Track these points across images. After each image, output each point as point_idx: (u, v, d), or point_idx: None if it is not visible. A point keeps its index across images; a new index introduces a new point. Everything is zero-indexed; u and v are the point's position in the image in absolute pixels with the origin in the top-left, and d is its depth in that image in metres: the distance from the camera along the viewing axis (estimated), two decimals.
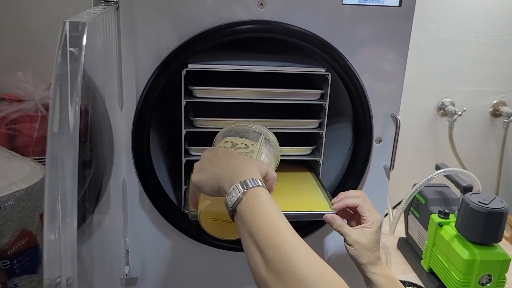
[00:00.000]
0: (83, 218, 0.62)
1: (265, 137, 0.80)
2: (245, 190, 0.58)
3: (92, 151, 0.69)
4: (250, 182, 0.59)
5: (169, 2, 0.75)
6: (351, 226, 0.76)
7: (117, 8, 0.72)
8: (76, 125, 0.37)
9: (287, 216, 0.57)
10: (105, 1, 0.69)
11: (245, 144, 0.75)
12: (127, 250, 0.86)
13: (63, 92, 0.37)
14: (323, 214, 0.77)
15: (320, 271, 0.50)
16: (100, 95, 0.68)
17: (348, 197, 0.78)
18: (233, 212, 0.59)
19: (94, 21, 0.48)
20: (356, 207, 0.76)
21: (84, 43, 0.39)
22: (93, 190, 0.68)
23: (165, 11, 0.75)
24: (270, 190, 0.62)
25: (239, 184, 0.58)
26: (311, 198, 0.85)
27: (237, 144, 0.75)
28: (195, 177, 0.67)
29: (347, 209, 0.78)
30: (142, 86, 0.77)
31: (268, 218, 0.55)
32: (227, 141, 0.77)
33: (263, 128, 0.82)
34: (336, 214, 0.77)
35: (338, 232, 0.76)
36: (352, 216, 0.79)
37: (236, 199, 0.58)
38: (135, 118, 0.78)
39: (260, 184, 0.59)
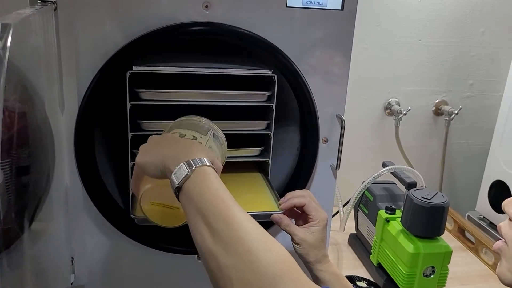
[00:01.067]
0: (20, 227, 0.60)
1: (214, 133, 0.79)
2: (193, 168, 0.57)
3: (31, 156, 0.67)
4: (198, 161, 0.58)
5: (110, 3, 0.73)
6: (298, 225, 0.78)
7: (55, 9, 0.70)
8: None
9: None
10: (41, 1, 0.67)
11: (193, 136, 0.74)
12: (72, 258, 0.83)
13: None
14: (271, 214, 0.78)
15: (269, 242, 0.50)
16: (39, 98, 0.66)
17: (294, 197, 0.79)
18: (178, 190, 0.58)
19: (24, 22, 0.46)
20: (303, 206, 0.78)
21: (8, 44, 0.37)
22: (33, 197, 0.65)
23: (107, 12, 0.74)
24: None
25: (186, 163, 0.58)
26: (259, 199, 0.85)
27: (185, 135, 0.74)
28: (139, 157, 0.66)
29: (295, 208, 0.80)
30: (84, 89, 0.75)
31: (217, 194, 0.55)
32: (175, 132, 0.76)
33: (213, 124, 0.81)
34: (283, 214, 0.78)
35: (285, 231, 0.77)
36: (299, 215, 0.80)
37: (184, 176, 0.57)
38: (77, 121, 0.76)
39: (208, 164, 0.59)
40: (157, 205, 0.67)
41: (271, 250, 0.49)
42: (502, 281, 0.58)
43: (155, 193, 0.66)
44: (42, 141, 0.70)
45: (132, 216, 0.75)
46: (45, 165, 0.70)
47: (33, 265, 0.63)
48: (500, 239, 0.60)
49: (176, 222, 0.69)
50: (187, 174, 0.57)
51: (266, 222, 0.89)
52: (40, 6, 0.65)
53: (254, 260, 0.48)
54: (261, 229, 0.52)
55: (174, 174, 0.58)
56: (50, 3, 0.67)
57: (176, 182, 0.58)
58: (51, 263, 0.72)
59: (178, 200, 0.59)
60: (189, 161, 0.58)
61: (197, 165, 0.58)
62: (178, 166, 0.58)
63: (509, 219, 0.59)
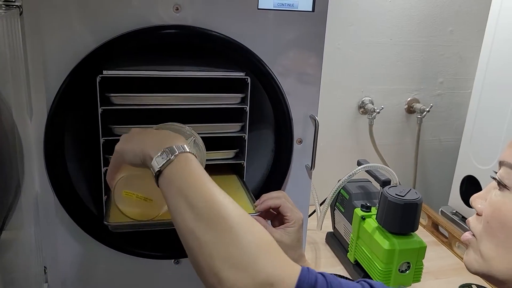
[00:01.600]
0: None
1: (194, 140, 0.79)
2: (176, 153, 0.58)
3: (21, 165, 0.66)
4: (181, 147, 0.59)
5: (78, 6, 0.72)
6: (274, 226, 0.78)
7: (21, 13, 0.68)
8: None
9: None
10: (5, 5, 0.65)
11: None
12: (45, 267, 0.82)
13: None
14: None
15: (251, 222, 0.52)
16: (6, 105, 0.64)
17: (269, 199, 0.79)
18: (158, 175, 0.58)
19: None
20: (278, 207, 0.78)
21: None
22: (1, 206, 0.63)
23: (75, 15, 0.72)
24: None
25: (167, 149, 0.59)
26: (234, 201, 0.85)
27: None
28: (118, 145, 0.65)
29: (270, 210, 0.80)
30: (53, 95, 0.74)
31: (200, 179, 0.56)
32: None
33: (194, 132, 0.81)
34: (259, 215, 0.78)
35: None
36: (275, 216, 0.80)
37: (165, 161, 0.58)
38: (46, 128, 0.75)
39: (189, 151, 0.60)
40: (130, 195, 0.67)
41: (252, 230, 0.51)
42: (469, 269, 0.61)
43: (130, 182, 0.66)
44: (10, 148, 0.68)
45: (105, 223, 0.73)
46: (14, 173, 0.68)
47: (3, 275, 0.61)
48: (468, 231, 0.62)
49: (148, 215, 0.69)
50: (169, 159, 0.58)
51: None
52: (4, 10, 0.63)
53: (236, 237, 0.49)
54: (243, 211, 0.53)
55: (155, 159, 0.59)
56: (15, 7, 0.65)
57: (158, 166, 0.58)
58: (22, 273, 0.70)
59: (157, 185, 0.59)
60: (171, 147, 0.59)
61: (180, 151, 0.59)
62: (160, 152, 0.59)
63: (477, 213, 0.61)
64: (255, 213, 0.79)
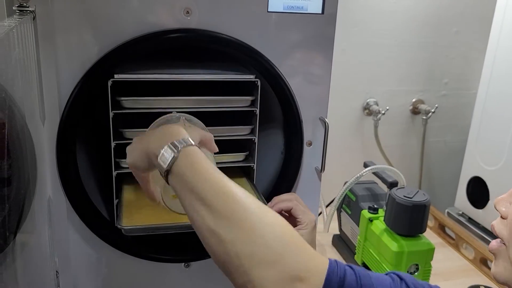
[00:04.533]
0: (4, 239, 0.58)
1: (185, 118, 0.78)
2: (179, 148, 0.57)
3: (11, 168, 0.65)
4: (182, 141, 0.58)
5: (89, 11, 0.72)
6: None
7: (34, 18, 0.68)
8: None
9: None
10: (19, 11, 0.65)
11: None
12: (57, 271, 0.82)
13: None
14: None
15: (271, 215, 0.51)
16: (19, 109, 0.64)
17: (281, 201, 0.79)
18: (167, 173, 0.57)
19: (8, 35, 0.45)
20: (290, 210, 0.78)
21: None
22: (15, 209, 0.64)
23: (87, 20, 0.72)
24: (213, 151, 0.64)
25: (170, 144, 0.57)
26: None
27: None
28: (127, 158, 0.65)
29: (283, 212, 0.80)
30: (66, 99, 0.74)
31: (211, 172, 0.55)
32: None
33: (184, 114, 0.80)
34: None
35: None
36: (287, 219, 0.80)
37: (171, 158, 0.56)
38: (58, 132, 0.75)
39: (193, 143, 0.58)
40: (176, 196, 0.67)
41: (274, 223, 0.50)
42: (498, 280, 0.59)
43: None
44: (23, 152, 0.68)
45: (118, 226, 0.73)
46: (27, 177, 0.69)
47: (18, 278, 0.61)
48: (495, 240, 0.60)
49: None
50: (174, 156, 0.56)
51: None
52: (19, 16, 0.63)
53: (260, 234, 0.48)
54: (260, 202, 0.52)
55: (160, 158, 0.57)
56: (29, 13, 0.65)
57: (164, 165, 0.57)
58: (36, 276, 0.71)
59: (168, 183, 0.58)
60: (173, 142, 0.57)
61: (183, 145, 0.57)
62: (163, 149, 0.57)
63: (501, 217, 0.60)
64: None
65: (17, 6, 0.65)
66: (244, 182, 0.96)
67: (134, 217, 0.78)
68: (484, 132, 1.44)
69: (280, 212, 0.80)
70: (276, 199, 0.80)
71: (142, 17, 0.75)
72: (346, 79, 1.53)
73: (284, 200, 0.80)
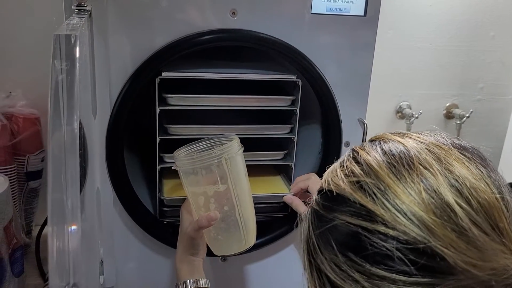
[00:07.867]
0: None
1: (226, 157, 0.76)
2: None
3: (86, 161, 0.70)
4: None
5: (142, 11, 0.75)
6: None
7: (90, 16, 0.71)
8: (76, 136, 0.38)
9: None
10: (77, 9, 0.69)
11: (204, 191, 0.77)
12: (101, 260, 0.85)
13: (58, 104, 0.38)
14: (283, 195, 0.87)
15: None
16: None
17: (301, 181, 0.85)
18: None
19: (81, 32, 0.48)
20: (307, 187, 0.83)
21: (77, 55, 0.39)
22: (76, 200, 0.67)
23: (138, 20, 0.75)
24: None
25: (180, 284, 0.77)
26: (272, 185, 0.95)
27: (194, 201, 0.78)
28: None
29: (307, 192, 0.85)
30: (116, 95, 0.77)
31: None
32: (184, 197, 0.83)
33: (226, 143, 0.78)
34: (294, 195, 0.86)
35: (296, 211, 0.84)
36: (307, 197, 0.84)
37: None
38: (109, 126, 0.78)
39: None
40: None
41: None
42: None
43: None
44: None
45: (162, 197, 0.84)
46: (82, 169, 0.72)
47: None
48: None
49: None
50: None
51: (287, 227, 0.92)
52: (77, 15, 0.67)
53: None
54: None
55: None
56: (86, 12, 0.69)
57: None
58: (85, 263, 0.74)
59: None
60: (177, 283, 0.77)
61: None
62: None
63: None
64: (290, 193, 0.87)
65: (76, 6, 0.69)
66: (279, 180, 0.97)
67: (174, 193, 0.88)
68: None
69: (301, 191, 0.85)
70: (298, 178, 0.87)
71: (190, 19, 0.77)
72: (379, 82, 1.51)
73: (303, 179, 0.85)
